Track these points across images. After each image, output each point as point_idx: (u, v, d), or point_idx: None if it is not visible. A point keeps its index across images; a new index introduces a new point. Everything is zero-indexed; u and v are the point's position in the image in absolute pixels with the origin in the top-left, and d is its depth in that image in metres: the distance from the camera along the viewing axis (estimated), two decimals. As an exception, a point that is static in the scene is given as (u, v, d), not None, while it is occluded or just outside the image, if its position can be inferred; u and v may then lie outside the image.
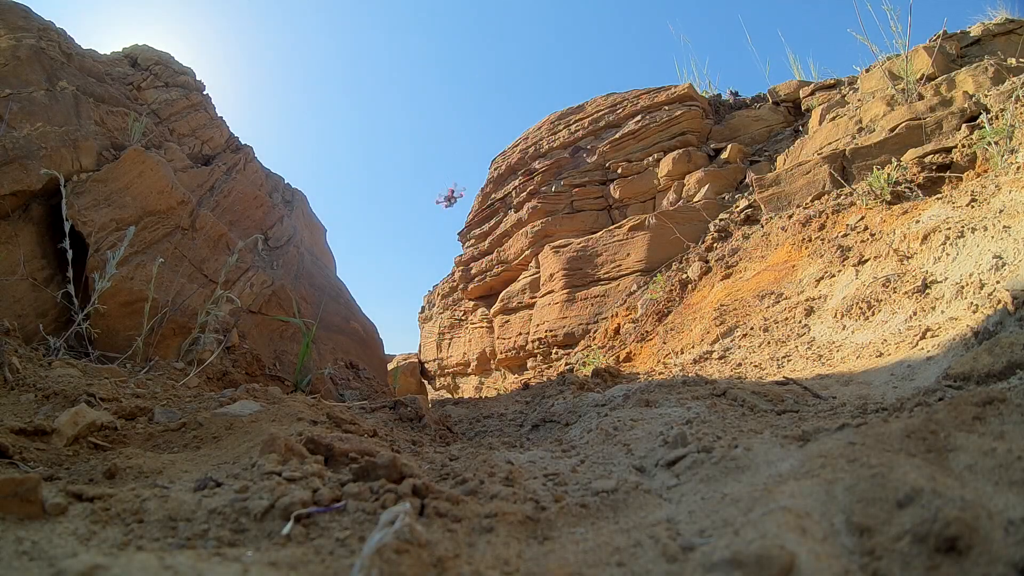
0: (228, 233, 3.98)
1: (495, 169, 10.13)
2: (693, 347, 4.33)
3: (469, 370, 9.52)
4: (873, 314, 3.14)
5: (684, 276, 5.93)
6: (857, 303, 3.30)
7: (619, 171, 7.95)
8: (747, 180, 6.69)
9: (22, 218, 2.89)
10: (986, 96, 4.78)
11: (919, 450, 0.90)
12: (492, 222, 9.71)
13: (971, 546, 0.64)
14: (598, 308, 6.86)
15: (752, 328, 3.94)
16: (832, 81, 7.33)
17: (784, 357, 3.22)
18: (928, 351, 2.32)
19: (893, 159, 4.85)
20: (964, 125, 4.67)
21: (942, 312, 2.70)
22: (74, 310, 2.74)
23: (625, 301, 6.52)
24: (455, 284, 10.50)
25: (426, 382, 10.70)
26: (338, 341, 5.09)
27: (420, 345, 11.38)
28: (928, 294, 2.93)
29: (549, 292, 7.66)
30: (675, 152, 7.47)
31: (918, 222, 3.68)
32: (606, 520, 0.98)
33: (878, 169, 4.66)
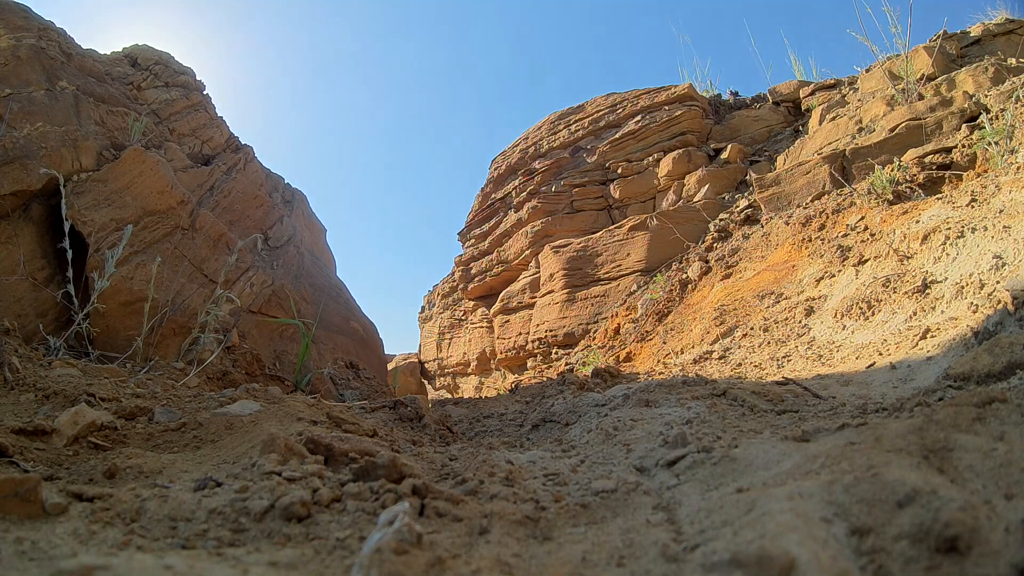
0: (228, 233, 3.98)
1: (495, 169, 10.14)
2: (693, 347, 4.33)
3: (469, 370, 9.52)
4: (873, 314, 3.14)
5: (684, 276, 5.93)
6: (857, 303, 3.29)
7: (619, 171, 7.95)
8: (747, 180, 6.69)
9: (22, 218, 2.89)
10: (986, 96, 4.78)
11: (919, 450, 0.90)
12: (492, 222, 9.72)
13: (971, 546, 0.64)
14: (598, 308, 6.86)
15: (752, 328, 3.94)
16: (832, 81, 7.33)
17: (784, 357, 3.22)
18: (928, 351, 2.32)
19: (893, 159, 4.85)
20: (964, 125, 4.67)
21: (942, 312, 2.70)
22: (74, 310, 2.74)
23: (625, 301, 6.52)
24: (455, 284, 10.50)
25: (426, 382, 10.70)
26: (338, 341, 5.09)
27: (420, 345, 11.38)
28: (928, 294, 2.93)
29: (549, 292, 7.66)
30: (675, 152, 7.47)
31: (918, 222, 3.68)
32: (606, 520, 0.98)
33: (879, 169, 4.66)
